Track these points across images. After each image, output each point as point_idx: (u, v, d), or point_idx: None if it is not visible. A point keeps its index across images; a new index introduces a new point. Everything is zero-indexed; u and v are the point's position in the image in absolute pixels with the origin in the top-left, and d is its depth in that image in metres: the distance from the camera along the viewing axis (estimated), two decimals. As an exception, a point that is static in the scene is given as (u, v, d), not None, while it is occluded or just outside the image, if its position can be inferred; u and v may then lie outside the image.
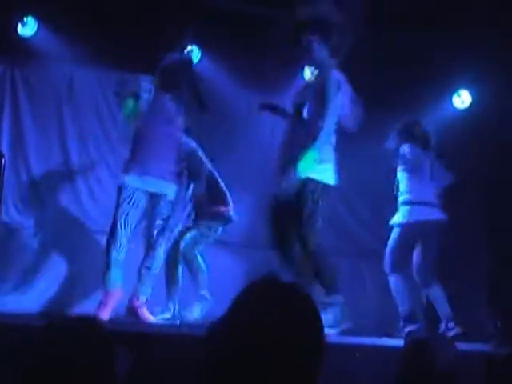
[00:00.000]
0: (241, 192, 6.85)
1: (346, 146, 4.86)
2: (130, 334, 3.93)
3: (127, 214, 5.12)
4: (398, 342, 3.75)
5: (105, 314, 4.98)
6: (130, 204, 5.12)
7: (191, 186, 6.15)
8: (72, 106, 6.85)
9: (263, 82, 6.80)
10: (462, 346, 2.98)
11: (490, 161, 7.15)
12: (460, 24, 6.25)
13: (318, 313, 1.50)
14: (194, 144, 6.00)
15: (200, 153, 6.03)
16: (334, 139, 4.75)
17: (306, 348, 1.43)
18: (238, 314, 1.46)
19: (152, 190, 5.22)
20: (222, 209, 6.11)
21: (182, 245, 5.98)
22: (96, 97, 6.95)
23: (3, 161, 6.33)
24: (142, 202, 5.20)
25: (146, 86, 5.38)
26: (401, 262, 5.68)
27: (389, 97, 6.81)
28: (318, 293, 4.48)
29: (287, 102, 5.26)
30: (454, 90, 7.32)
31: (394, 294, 5.64)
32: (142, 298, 5.30)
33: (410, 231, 5.65)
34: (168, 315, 5.78)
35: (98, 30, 6.29)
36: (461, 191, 6.50)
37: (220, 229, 6.15)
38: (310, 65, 5.52)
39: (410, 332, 5.40)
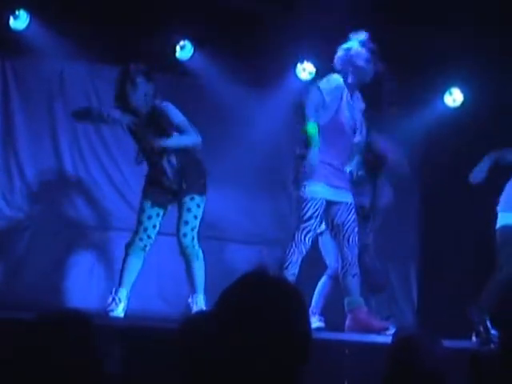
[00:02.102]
0: (233, 189, 6.85)
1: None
2: (122, 330, 3.92)
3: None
4: (387, 339, 3.76)
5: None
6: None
7: None
8: (63, 100, 6.82)
9: (256, 79, 6.80)
10: (447, 343, 2.98)
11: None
12: (454, 22, 6.26)
13: (306, 307, 1.50)
14: None
15: None
16: None
17: (292, 341, 1.43)
18: (225, 307, 1.46)
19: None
20: None
21: None
22: (87, 91, 6.92)
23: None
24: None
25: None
26: None
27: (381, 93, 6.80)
28: None
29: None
30: (445, 88, 7.30)
31: None
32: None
33: None
34: None
35: (91, 24, 6.27)
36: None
37: None
38: None
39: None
